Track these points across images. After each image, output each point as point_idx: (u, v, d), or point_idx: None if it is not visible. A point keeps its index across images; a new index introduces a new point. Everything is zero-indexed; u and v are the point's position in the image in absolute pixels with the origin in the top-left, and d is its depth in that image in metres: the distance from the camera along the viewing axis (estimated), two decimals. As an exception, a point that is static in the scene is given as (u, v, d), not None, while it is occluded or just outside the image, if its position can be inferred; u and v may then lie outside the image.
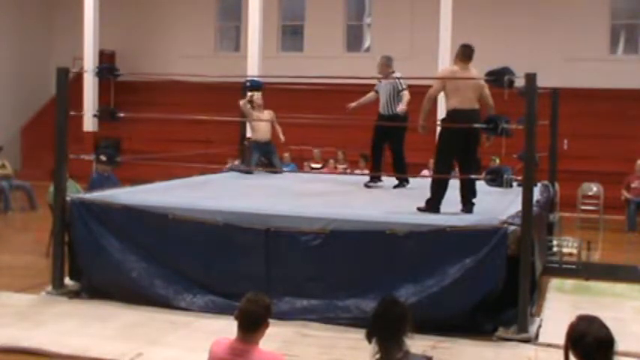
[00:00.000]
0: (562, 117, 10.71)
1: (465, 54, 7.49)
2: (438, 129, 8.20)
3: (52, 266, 7.61)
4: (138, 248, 7.34)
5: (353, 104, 10.02)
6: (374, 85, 9.91)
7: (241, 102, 11.06)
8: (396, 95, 9.40)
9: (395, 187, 9.60)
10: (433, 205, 7.29)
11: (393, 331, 3.47)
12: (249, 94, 11.23)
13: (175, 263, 7.25)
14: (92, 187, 9.67)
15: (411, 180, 9.80)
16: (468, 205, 7.37)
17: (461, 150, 7.45)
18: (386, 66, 9.63)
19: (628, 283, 8.73)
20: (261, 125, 11.17)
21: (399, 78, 9.48)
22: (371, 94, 9.95)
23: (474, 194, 7.45)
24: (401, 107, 9.32)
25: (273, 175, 10.98)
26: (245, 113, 11.11)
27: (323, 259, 6.81)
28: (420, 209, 7.28)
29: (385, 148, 9.80)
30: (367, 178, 9.88)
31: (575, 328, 3.01)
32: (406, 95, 9.36)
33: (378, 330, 3.50)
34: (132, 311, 6.93)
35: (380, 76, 9.65)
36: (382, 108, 9.58)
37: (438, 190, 7.33)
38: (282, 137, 11.48)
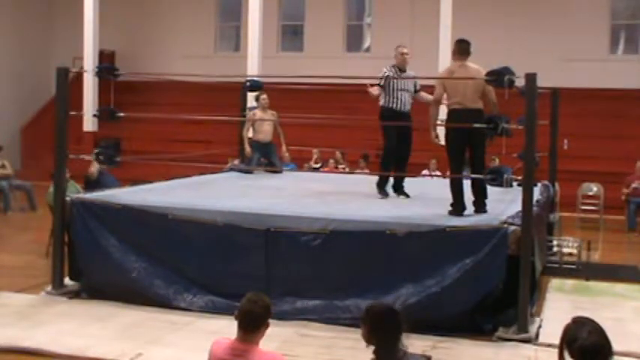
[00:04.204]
0: (562, 117, 10.70)
1: (461, 50, 7.44)
2: (440, 130, 8.14)
3: (52, 266, 7.61)
4: (138, 248, 7.34)
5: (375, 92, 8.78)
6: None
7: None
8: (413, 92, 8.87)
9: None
10: (457, 206, 7.26)
11: (387, 338, 3.45)
12: (255, 94, 11.24)
13: (175, 263, 7.24)
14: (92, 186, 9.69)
15: (411, 180, 9.78)
16: (480, 207, 7.34)
17: (467, 149, 7.42)
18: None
19: (628, 283, 8.73)
20: (264, 126, 11.17)
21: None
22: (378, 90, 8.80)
23: (485, 195, 7.41)
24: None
25: (273, 175, 10.97)
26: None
27: (323, 259, 6.81)
28: (450, 213, 7.21)
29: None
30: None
31: (568, 331, 3.01)
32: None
33: (375, 338, 3.49)
34: (132, 311, 6.93)
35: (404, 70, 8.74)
36: (405, 105, 8.72)
37: (456, 190, 7.31)
38: (284, 151, 11.57)
